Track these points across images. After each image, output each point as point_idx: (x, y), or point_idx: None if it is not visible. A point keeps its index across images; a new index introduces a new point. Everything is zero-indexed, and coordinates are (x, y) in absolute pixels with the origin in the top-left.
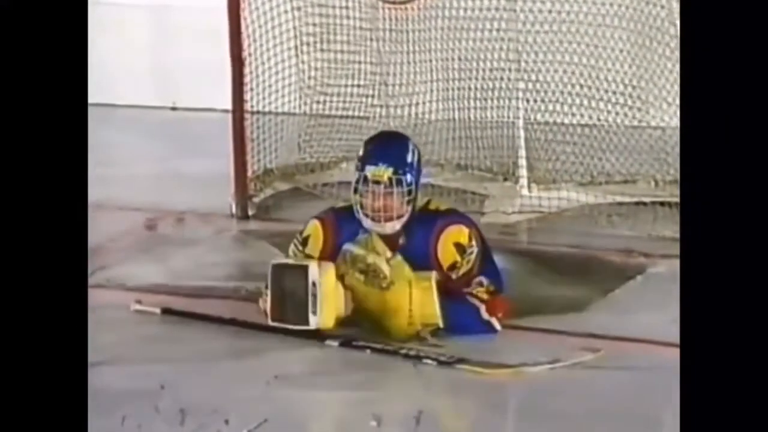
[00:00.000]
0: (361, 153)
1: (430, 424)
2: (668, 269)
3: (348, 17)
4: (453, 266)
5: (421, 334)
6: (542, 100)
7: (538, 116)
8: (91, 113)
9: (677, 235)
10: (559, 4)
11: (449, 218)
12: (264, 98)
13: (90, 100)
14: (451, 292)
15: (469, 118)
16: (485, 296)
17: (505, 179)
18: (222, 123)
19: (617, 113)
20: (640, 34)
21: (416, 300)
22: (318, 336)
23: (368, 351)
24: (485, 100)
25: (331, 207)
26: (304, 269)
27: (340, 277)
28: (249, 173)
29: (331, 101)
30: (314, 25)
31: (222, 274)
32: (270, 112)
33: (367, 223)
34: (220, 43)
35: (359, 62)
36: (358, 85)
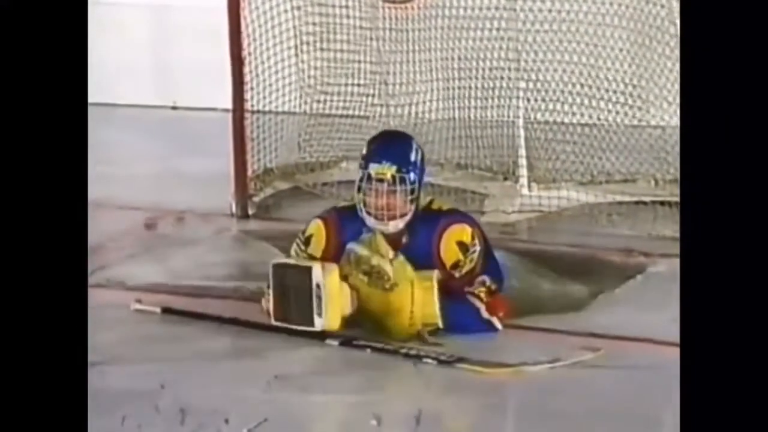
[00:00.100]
0: (364, 151)
1: (431, 423)
2: (668, 268)
3: (348, 16)
4: (456, 265)
5: (421, 333)
6: (542, 100)
7: (538, 115)
8: (92, 112)
9: (677, 235)
10: (559, 3)
11: (452, 217)
12: (264, 97)
13: (90, 99)
14: (452, 292)
15: (469, 117)
16: (486, 296)
17: (505, 178)
18: (222, 122)
19: (617, 112)
20: (640, 33)
21: (418, 300)
22: (318, 335)
23: (368, 350)
24: (485, 99)
25: (333, 206)
26: (308, 270)
27: (344, 277)
28: (249, 172)
29: (331, 100)
30: (314, 24)
31: (222, 273)
32: (270, 112)
33: (370, 221)
34: (221, 43)
35: (359, 61)
36: (359, 85)
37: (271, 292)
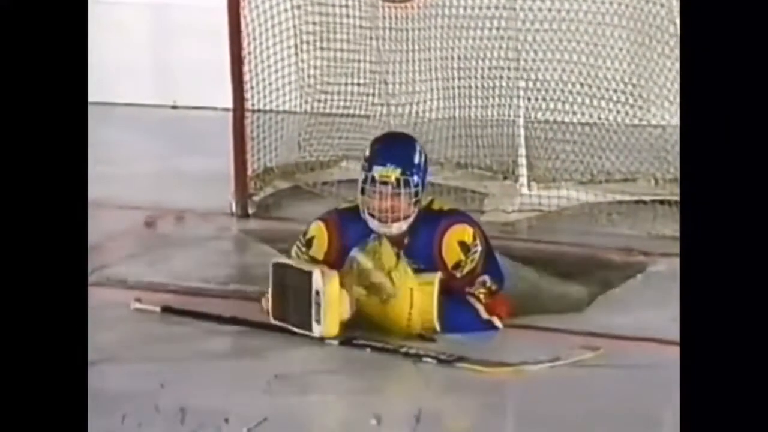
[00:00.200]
0: (367, 153)
1: (431, 422)
2: (668, 267)
3: (348, 16)
4: (457, 265)
5: (420, 334)
6: (542, 99)
7: (539, 115)
8: (91, 112)
9: (677, 234)
10: (559, 2)
11: (453, 218)
12: (264, 97)
13: (90, 98)
14: (452, 292)
15: (469, 116)
16: (486, 297)
17: (505, 178)
18: (222, 121)
19: (617, 112)
20: (640, 32)
21: (417, 304)
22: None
23: (368, 350)
24: (485, 98)
25: (334, 208)
26: (308, 275)
27: (343, 284)
28: (249, 172)
29: (331, 100)
30: (314, 23)
31: (222, 273)
32: (270, 111)
33: (373, 223)
34: (221, 42)
35: (359, 61)
36: (359, 84)
37: (270, 290)
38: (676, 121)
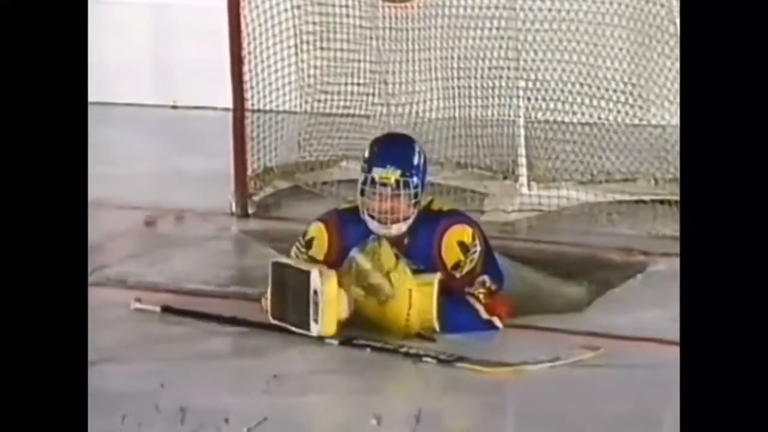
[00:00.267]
0: (367, 154)
1: (431, 422)
2: (668, 267)
3: (348, 16)
4: (457, 265)
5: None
6: (542, 99)
7: (539, 114)
8: (91, 111)
9: (677, 234)
10: (559, 2)
11: (452, 218)
12: (264, 97)
13: (90, 98)
14: (452, 292)
15: (469, 116)
16: (486, 297)
17: (505, 177)
18: (222, 121)
19: (617, 111)
20: (640, 32)
21: (415, 305)
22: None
23: (368, 349)
24: (485, 98)
25: (334, 208)
26: (306, 275)
27: (341, 283)
28: (249, 171)
29: (331, 100)
30: (314, 23)
31: (222, 273)
32: (270, 111)
33: (372, 225)
34: (221, 42)
35: (359, 61)
36: (359, 84)
37: (269, 289)
38: (676, 121)
